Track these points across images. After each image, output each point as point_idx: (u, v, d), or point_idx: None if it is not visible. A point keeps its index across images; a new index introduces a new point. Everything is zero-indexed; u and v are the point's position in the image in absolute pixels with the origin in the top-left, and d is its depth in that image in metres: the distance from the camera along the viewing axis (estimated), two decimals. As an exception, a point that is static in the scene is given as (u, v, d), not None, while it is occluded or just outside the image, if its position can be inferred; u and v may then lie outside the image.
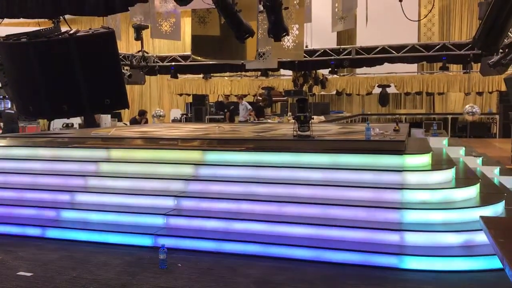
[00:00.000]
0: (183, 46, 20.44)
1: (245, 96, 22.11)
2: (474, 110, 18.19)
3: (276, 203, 5.66)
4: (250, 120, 16.43)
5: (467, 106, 18.57)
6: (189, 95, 22.55)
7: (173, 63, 16.18)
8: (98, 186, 6.64)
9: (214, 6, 6.45)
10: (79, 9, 5.74)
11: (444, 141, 9.85)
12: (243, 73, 20.01)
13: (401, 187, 5.61)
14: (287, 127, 10.34)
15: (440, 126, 17.85)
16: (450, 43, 13.86)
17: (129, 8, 5.93)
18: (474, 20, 19.91)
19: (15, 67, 5.63)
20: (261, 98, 18.67)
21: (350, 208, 5.39)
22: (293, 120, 7.81)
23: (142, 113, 16.02)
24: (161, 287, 4.29)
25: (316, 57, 14.64)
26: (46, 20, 5.96)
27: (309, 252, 4.93)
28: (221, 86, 22.04)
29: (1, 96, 18.82)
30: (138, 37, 12.82)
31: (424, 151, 6.53)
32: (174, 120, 21.62)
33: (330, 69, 15.09)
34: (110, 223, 5.88)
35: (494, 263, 4.37)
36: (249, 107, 17.16)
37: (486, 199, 5.68)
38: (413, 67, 19.69)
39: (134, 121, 16.01)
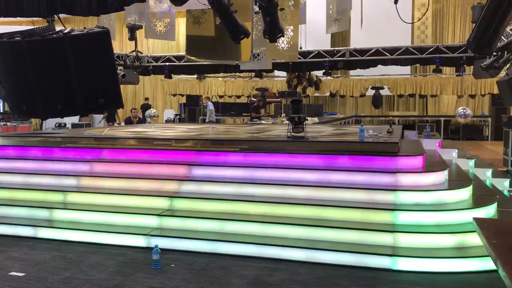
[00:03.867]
0: (177, 46, 20.45)
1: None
2: (466, 112, 18.26)
3: (270, 204, 5.66)
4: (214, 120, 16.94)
5: (459, 109, 18.62)
6: (182, 95, 22.53)
7: (167, 63, 16.17)
8: (91, 186, 6.61)
9: (209, 7, 6.44)
10: (73, 9, 5.72)
11: (437, 143, 9.91)
12: (237, 74, 20.03)
13: (394, 188, 5.63)
14: (281, 128, 10.35)
15: (433, 128, 17.95)
16: (443, 45, 13.96)
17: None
18: (468, 23, 20.04)
19: (9, 66, 5.59)
20: (255, 99, 18.71)
21: (343, 209, 5.40)
22: (287, 121, 7.82)
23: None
24: (154, 287, 4.28)
25: (310, 58, 14.70)
26: (40, 19, 5.93)
27: (302, 253, 4.94)
28: (215, 87, 22.05)
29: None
30: (132, 37, 12.78)
31: (417, 153, 6.56)
32: (167, 121, 21.58)
33: (324, 70, 15.16)
34: (103, 223, 5.85)
35: (487, 264, 4.40)
36: (211, 107, 17.57)
37: (478, 201, 5.71)
38: (407, 69, 19.80)
39: (128, 121, 15.99)
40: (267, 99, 20.82)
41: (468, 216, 5.03)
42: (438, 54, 13.68)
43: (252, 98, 20.73)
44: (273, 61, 12.52)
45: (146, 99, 21.67)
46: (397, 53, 14.01)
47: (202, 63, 14.10)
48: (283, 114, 17.53)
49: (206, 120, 17.92)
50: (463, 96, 20.17)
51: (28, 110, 5.74)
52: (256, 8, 8.14)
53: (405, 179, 5.81)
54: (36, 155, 7.61)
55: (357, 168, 6.09)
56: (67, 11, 5.77)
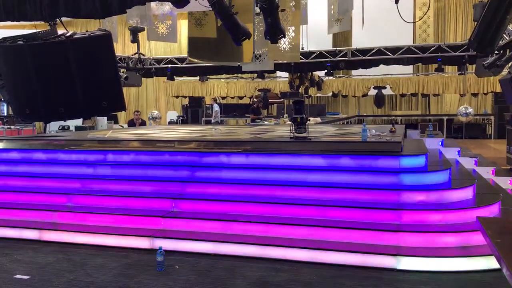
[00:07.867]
0: (179, 48, 20.50)
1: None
2: (468, 111, 18.23)
3: (273, 204, 5.67)
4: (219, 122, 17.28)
5: (461, 107, 18.60)
6: (185, 97, 22.56)
7: (169, 65, 16.17)
8: (95, 189, 6.63)
9: (210, 9, 6.45)
10: (76, 12, 5.73)
11: (440, 142, 9.90)
12: (240, 75, 20.04)
13: (397, 188, 5.63)
14: (283, 129, 10.36)
15: (436, 127, 17.94)
16: (445, 44, 13.92)
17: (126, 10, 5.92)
18: (469, 22, 20.01)
19: (12, 70, 5.61)
20: (256, 100, 18.76)
21: (347, 209, 5.41)
22: (290, 122, 7.83)
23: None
24: (159, 289, 4.29)
25: (312, 59, 14.69)
26: (43, 22, 5.94)
27: (306, 253, 4.94)
28: (217, 88, 22.07)
29: (-3, 99, 18.76)
30: (135, 40, 12.82)
31: (420, 152, 6.56)
32: (170, 122, 21.61)
33: (326, 71, 15.15)
34: (107, 225, 5.87)
35: (491, 263, 4.39)
36: (216, 109, 17.87)
37: (482, 199, 5.70)
38: (409, 68, 19.78)
39: (131, 123, 16.00)
40: (269, 100, 20.82)
41: (471, 215, 5.03)
42: (440, 53, 13.65)
43: (254, 99, 20.76)
44: (275, 62, 12.52)
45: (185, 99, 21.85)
46: (399, 52, 13.99)
47: (204, 64, 14.10)
48: (285, 115, 17.54)
49: (212, 121, 17.94)
50: (466, 94, 20.13)
51: (31, 113, 5.76)
52: (257, 10, 8.16)
53: (408, 178, 5.81)
54: (40, 158, 7.63)
55: (360, 168, 6.10)
56: (70, 15, 5.78)
